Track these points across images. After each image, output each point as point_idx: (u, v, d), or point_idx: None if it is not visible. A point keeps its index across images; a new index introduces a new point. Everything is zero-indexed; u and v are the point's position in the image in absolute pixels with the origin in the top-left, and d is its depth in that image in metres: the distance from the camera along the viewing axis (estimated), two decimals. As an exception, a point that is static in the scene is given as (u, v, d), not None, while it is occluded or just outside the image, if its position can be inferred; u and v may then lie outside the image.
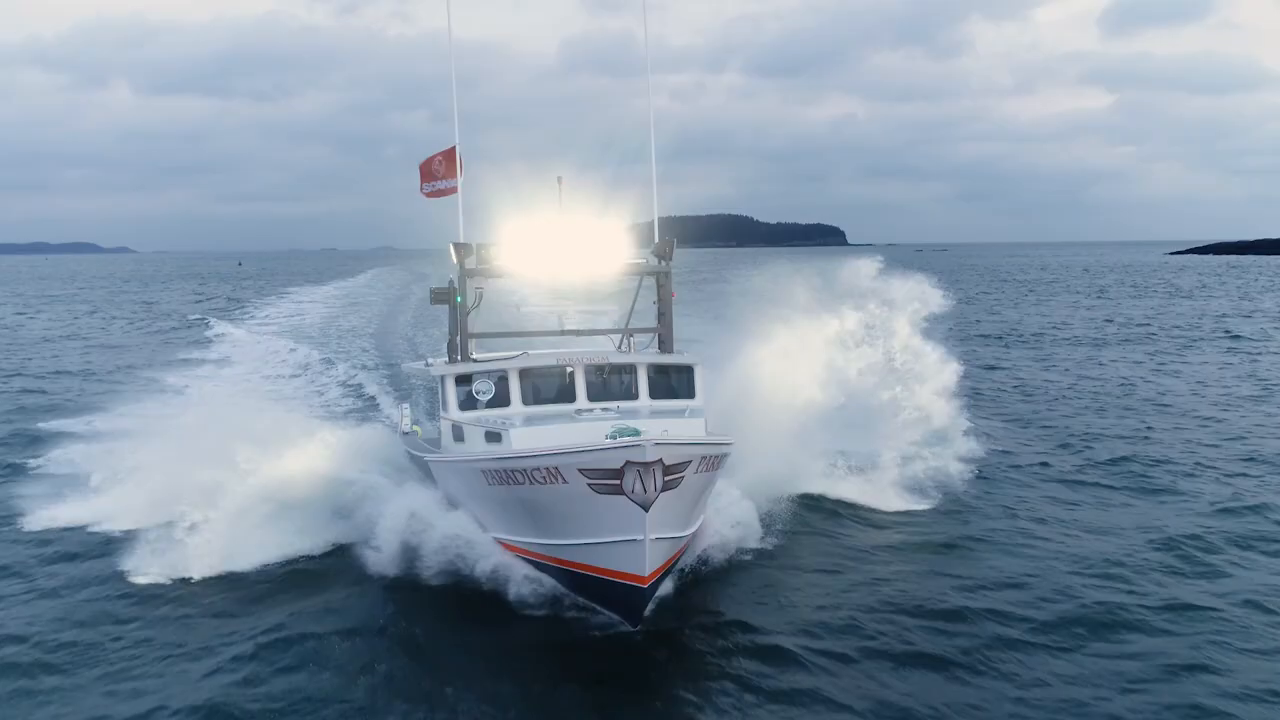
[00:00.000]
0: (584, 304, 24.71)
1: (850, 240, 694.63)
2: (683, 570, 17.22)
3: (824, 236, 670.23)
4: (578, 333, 22.54)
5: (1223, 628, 15.80)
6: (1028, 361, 49.24)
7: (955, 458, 23.74)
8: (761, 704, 13.63)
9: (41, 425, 31.29)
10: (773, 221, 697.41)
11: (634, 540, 14.80)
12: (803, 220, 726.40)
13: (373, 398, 37.10)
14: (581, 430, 16.88)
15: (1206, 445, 29.04)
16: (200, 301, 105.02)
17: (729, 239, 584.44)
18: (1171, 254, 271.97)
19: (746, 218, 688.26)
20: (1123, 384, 41.39)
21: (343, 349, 52.01)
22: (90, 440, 27.17)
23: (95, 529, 20.73)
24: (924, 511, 21.85)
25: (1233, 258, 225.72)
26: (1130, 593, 17.14)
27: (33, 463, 26.34)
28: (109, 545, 19.85)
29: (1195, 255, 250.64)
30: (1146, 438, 30.03)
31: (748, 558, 18.60)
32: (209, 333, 66.01)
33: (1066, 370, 45.99)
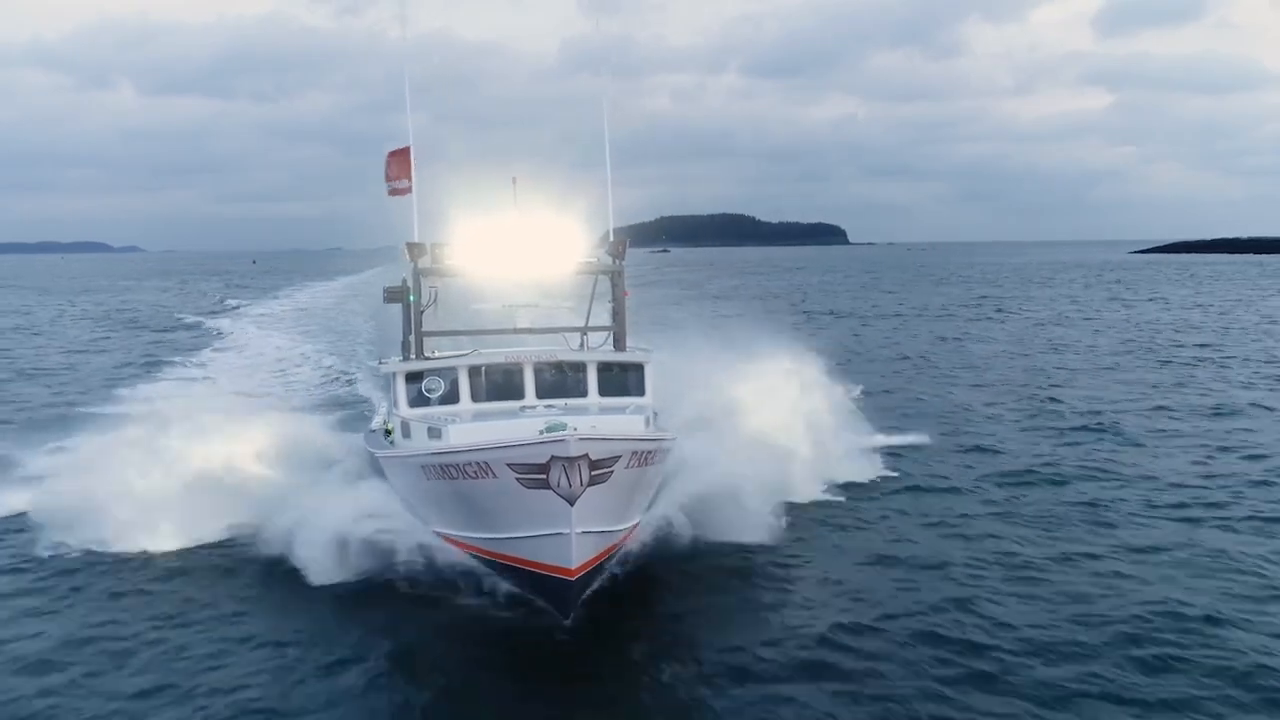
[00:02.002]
0: (543, 302, 24.96)
1: (852, 239, 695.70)
2: (622, 565, 17.43)
3: (826, 236, 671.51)
4: (532, 331, 22.80)
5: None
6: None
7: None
8: (687, 699, 13.86)
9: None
10: (775, 221, 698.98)
11: (560, 534, 15.10)
12: (805, 220, 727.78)
13: (354, 388, 37.67)
14: (520, 426, 17.14)
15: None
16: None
17: (732, 238, 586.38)
18: (1133, 253, 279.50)
19: (749, 217, 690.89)
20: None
21: (348, 345, 52.68)
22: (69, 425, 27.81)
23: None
24: (858, 506, 22.25)
25: (1185, 256, 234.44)
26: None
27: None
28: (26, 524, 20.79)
29: (1156, 254, 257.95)
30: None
31: (685, 558, 18.62)
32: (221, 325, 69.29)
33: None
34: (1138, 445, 28.47)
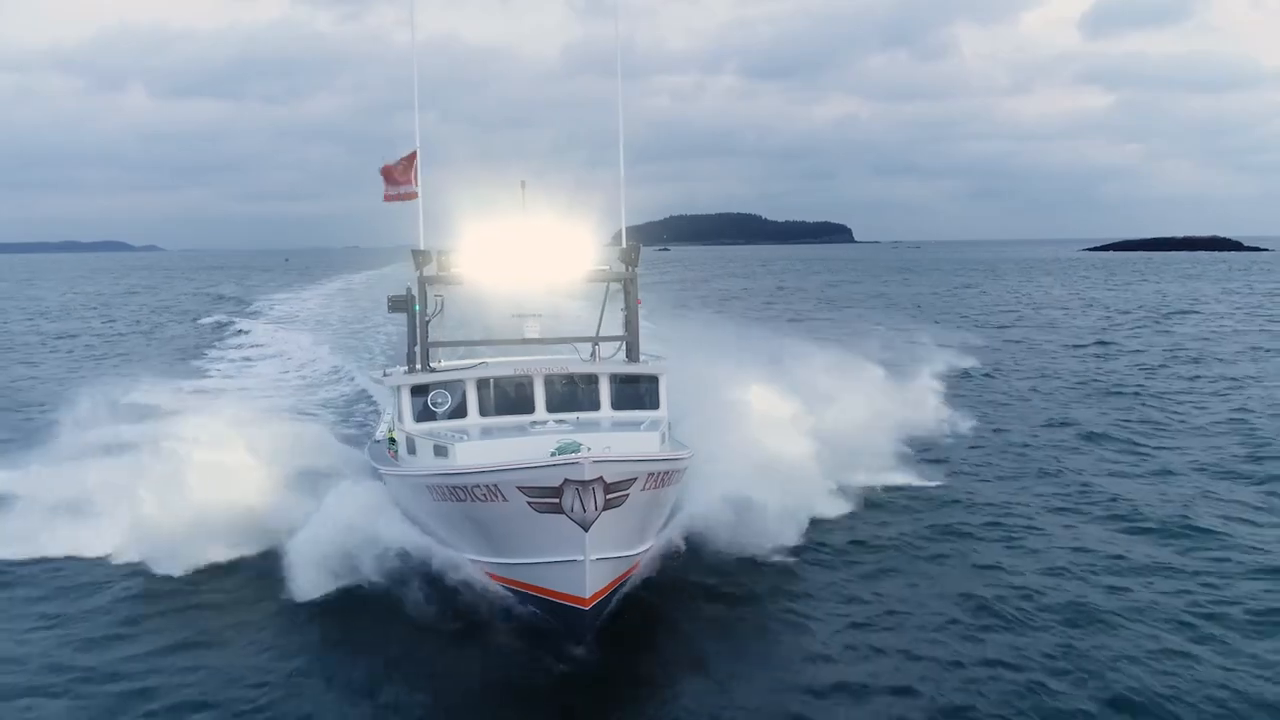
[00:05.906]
0: (553, 309, 24.21)
1: (858, 238, 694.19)
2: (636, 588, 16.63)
3: (831, 234, 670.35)
4: (542, 341, 21.96)
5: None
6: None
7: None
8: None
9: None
10: (781, 219, 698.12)
11: (574, 561, 14.29)
12: (811, 218, 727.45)
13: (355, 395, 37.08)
14: (530, 445, 16.37)
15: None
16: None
17: (738, 236, 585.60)
18: (1084, 250, 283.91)
19: (755, 215, 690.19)
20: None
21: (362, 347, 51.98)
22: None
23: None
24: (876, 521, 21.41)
25: (1141, 254, 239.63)
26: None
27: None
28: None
29: (1099, 252, 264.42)
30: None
31: (702, 570, 17.88)
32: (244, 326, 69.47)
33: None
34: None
